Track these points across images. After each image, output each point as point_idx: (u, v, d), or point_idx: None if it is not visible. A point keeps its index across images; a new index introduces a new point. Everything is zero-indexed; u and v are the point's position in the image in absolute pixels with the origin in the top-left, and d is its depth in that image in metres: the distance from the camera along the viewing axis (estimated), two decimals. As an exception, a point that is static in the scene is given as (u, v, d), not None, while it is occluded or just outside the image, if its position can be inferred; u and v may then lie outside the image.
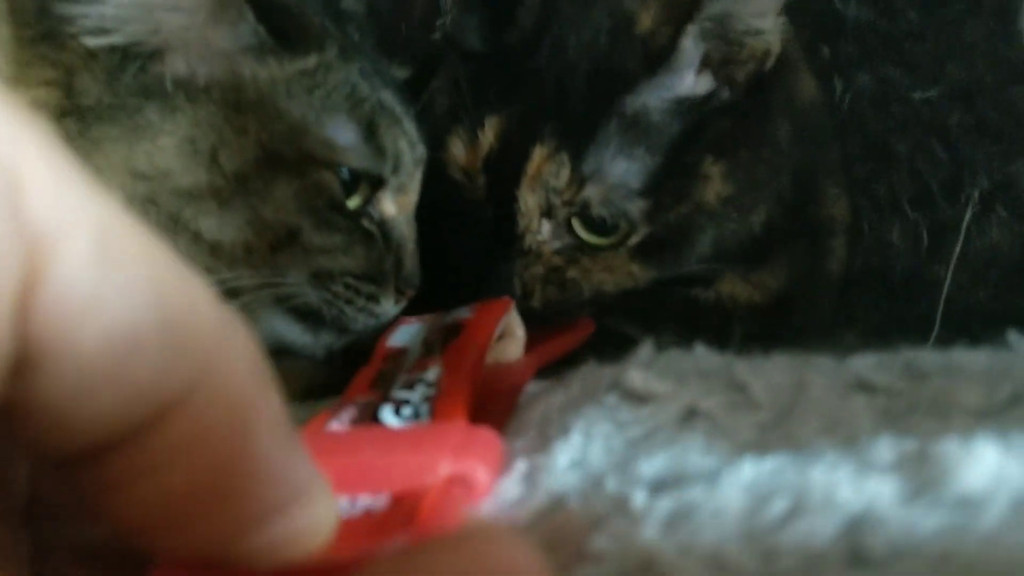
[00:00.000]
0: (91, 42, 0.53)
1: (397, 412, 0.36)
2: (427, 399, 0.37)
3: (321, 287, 0.59)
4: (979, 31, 0.74)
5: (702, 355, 0.39)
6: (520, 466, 0.32)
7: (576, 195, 0.61)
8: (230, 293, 0.57)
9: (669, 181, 0.61)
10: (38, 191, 0.18)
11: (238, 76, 0.56)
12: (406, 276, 0.63)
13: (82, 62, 0.53)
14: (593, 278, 0.64)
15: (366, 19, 0.69)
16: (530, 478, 0.31)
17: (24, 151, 0.19)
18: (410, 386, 0.38)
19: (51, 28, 0.53)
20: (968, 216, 0.71)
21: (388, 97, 0.61)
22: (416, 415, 0.35)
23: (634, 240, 0.62)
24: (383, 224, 0.62)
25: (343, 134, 0.58)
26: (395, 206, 0.62)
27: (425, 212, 0.67)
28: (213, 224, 0.55)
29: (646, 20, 0.62)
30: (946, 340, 0.44)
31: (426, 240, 0.67)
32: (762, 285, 0.68)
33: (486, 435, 0.33)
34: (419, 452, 0.30)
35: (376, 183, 0.61)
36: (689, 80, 0.61)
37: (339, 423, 0.36)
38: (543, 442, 0.34)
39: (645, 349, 0.40)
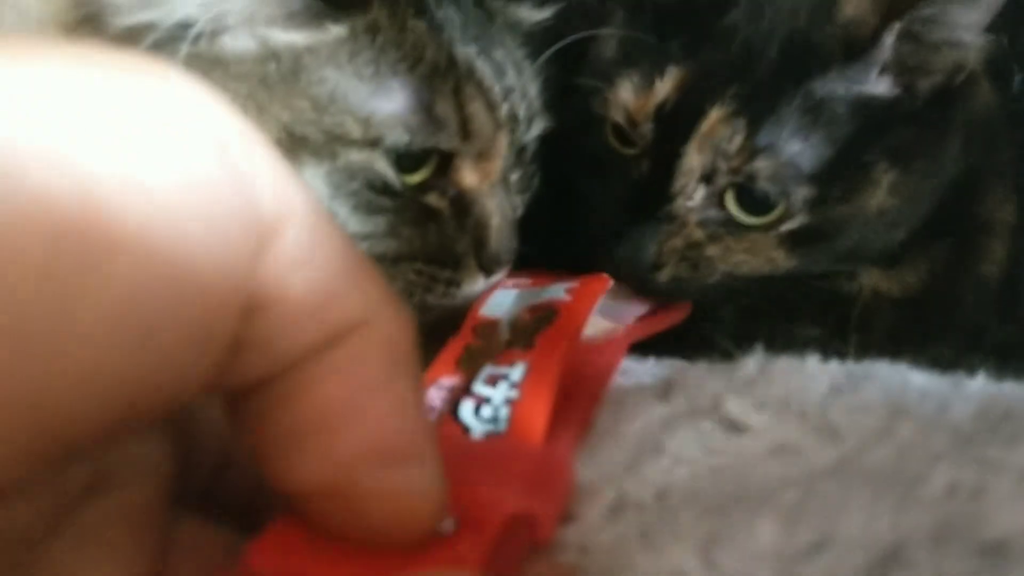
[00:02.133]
0: (128, 20, 0.49)
1: (477, 411, 0.37)
2: (508, 401, 0.38)
3: (388, 276, 0.54)
4: None
5: (811, 372, 0.40)
6: (609, 493, 0.34)
7: (744, 164, 0.59)
8: None
9: (841, 175, 0.59)
10: (267, 186, 0.25)
11: (271, 48, 0.51)
12: (491, 254, 0.56)
13: (119, 46, 0.46)
14: (731, 259, 0.62)
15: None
16: (615, 511, 0.33)
17: (254, 154, 0.25)
18: (493, 382, 0.39)
19: (90, 11, 0.50)
20: None
21: (469, 52, 0.55)
22: (495, 419, 0.37)
23: (788, 226, 0.60)
24: (460, 198, 0.56)
25: (388, 103, 0.52)
26: (476, 175, 0.56)
27: (566, 159, 0.66)
28: None
29: (848, 7, 0.60)
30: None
31: (560, 188, 0.67)
32: (901, 279, 0.66)
33: (558, 464, 0.34)
34: (488, 482, 0.31)
35: (445, 153, 0.55)
36: (872, 79, 0.59)
37: None
38: (636, 462, 0.36)
39: (752, 362, 0.41)
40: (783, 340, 0.53)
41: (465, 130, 0.54)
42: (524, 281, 0.58)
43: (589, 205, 0.65)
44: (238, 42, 0.51)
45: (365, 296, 0.26)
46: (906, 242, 0.64)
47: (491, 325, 0.48)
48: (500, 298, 0.54)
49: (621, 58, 0.64)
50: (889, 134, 0.60)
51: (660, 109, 0.61)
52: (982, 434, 0.33)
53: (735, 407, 0.37)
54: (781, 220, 0.60)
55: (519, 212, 0.63)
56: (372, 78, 0.52)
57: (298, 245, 0.25)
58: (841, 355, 0.46)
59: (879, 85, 0.59)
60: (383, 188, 0.53)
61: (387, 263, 0.55)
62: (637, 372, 0.53)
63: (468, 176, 0.56)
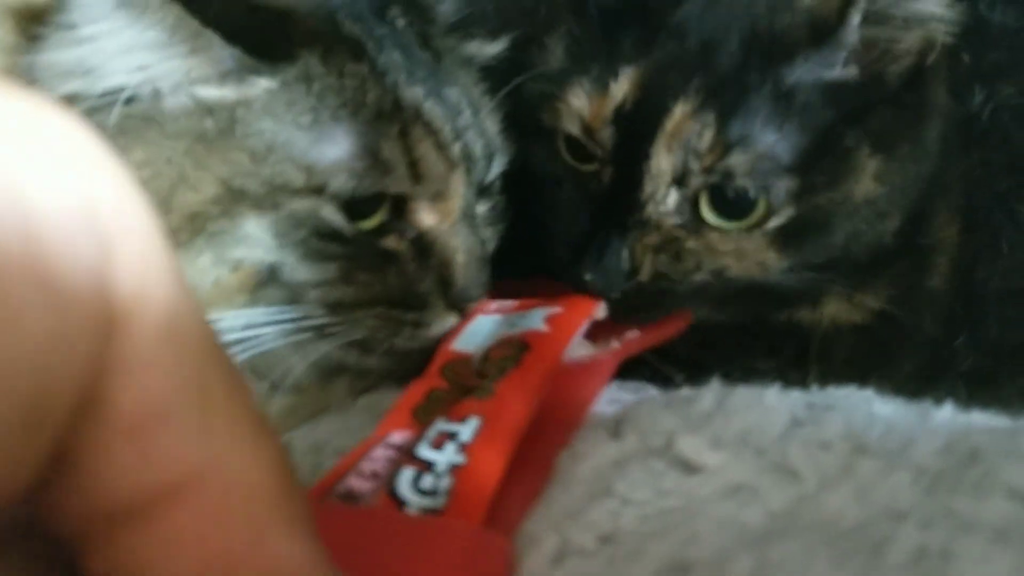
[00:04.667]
0: (58, 90, 0.49)
1: (417, 481, 0.35)
2: (452, 469, 0.35)
3: (350, 324, 0.53)
4: None
5: (770, 405, 0.38)
6: (551, 541, 0.32)
7: (718, 161, 0.55)
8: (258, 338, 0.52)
9: (823, 162, 0.56)
10: (127, 261, 0.21)
11: (205, 105, 0.51)
12: (458, 292, 0.55)
13: None
14: (717, 260, 0.58)
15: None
16: (558, 559, 0.31)
17: (125, 221, 0.21)
18: (440, 444, 0.37)
19: (27, 81, 0.49)
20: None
21: (415, 94, 0.54)
22: (434, 491, 0.34)
23: (775, 223, 0.56)
24: (420, 238, 0.55)
25: (330, 150, 0.51)
26: (434, 215, 0.55)
27: (525, 177, 0.63)
28: None
29: None
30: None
31: (525, 209, 0.63)
32: (863, 306, 0.64)
33: (494, 549, 0.32)
34: (412, 572, 0.29)
35: (398, 196, 0.54)
36: (841, 64, 0.56)
37: (357, 479, 0.35)
38: (584, 506, 0.34)
39: (709, 395, 0.39)
40: (738, 373, 0.51)
41: (415, 172, 0.53)
42: (509, 304, 0.55)
43: (557, 219, 0.62)
44: (171, 102, 0.50)
45: (220, 426, 0.22)
46: (869, 265, 0.62)
47: (462, 362, 0.46)
48: (478, 327, 0.52)
49: (569, 64, 0.60)
50: (868, 118, 0.57)
51: (619, 112, 0.57)
52: (948, 477, 0.31)
53: (688, 446, 0.34)
54: (765, 219, 0.57)
55: (490, 246, 0.61)
56: (312, 126, 0.51)
57: (142, 344, 0.21)
58: (798, 384, 0.44)
59: (849, 70, 0.57)
60: (331, 235, 0.52)
61: (345, 310, 0.53)
62: (598, 400, 0.52)
63: (426, 217, 0.55)
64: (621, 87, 0.57)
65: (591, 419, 0.44)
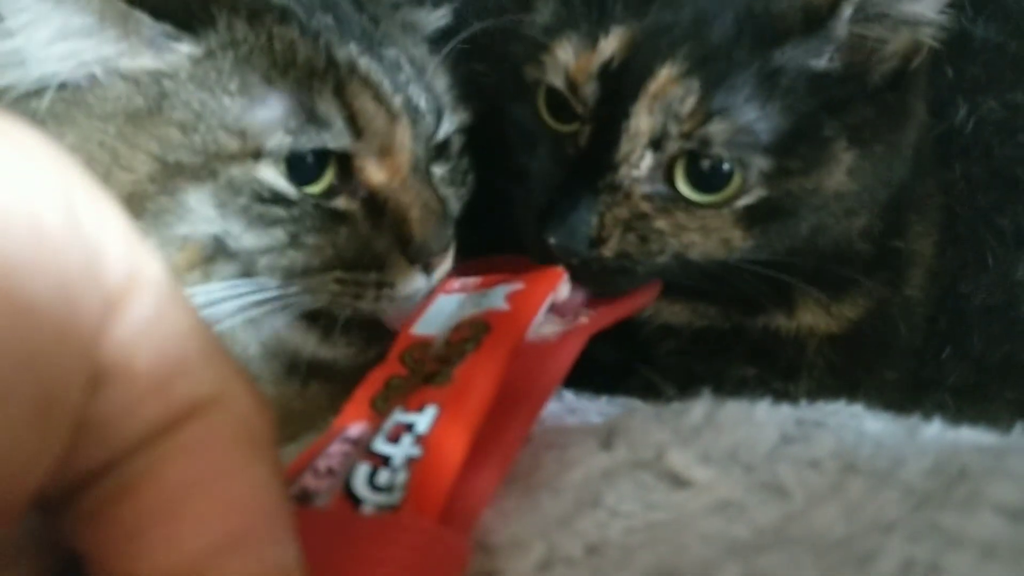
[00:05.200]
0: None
1: (372, 477, 0.34)
2: (408, 462, 0.34)
3: (308, 290, 0.53)
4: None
5: (760, 421, 0.38)
6: (538, 548, 0.32)
7: (698, 127, 0.55)
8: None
9: (800, 147, 0.56)
10: (115, 249, 0.23)
11: (132, 80, 0.50)
12: (417, 246, 0.54)
13: None
14: (684, 237, 0.57)
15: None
16: (544, 567, 0.31)
17: (103, 221, 0.23)
18: (396, 437, 0.36)
19: None
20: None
21: (350, 51, 0.54)
22: (390, 487, 0.34)
23: (745, 201, 0.56)
24: (372, 197, 0.54)
25: (263, 112, 0.51)
26: (383, 172, 0.55)
27: (495, 141, 0.62)
28: None
29: None
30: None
31: (494, 166, 0.63)
32: (842, 316, 0.64)
33: (451, 548, 0.31)
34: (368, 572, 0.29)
35: (341, 154, 0.53)
36: (828, 56, 0.56)
37: (312, 477, 0.35)
38: (572, 515, 0.34)
39: (699, 409, 0.39)
40: (720, 380, 0.51)
41: (356, 126, 0.53)
42: (472, 282, 0.54)
43: (528, 176, 0.61)
44: (100, 83, 0.50)
45: (216, 372, 0.25)
46: (852, 266, 0.62)
47: (422, 347, 0.45)
48: (441, 307, 0.51)
49: (557, 23, 0.60)
50: (849, 112, 0.57)
51: (605, 68, 0.57)
52: (936, 495, 0.30)
53: (678, 460, 0.34)
54: (735, 196, 0.56)
55: (453, 207, 0.61)
56: (241, 90, 0.51)
57: (145, 314, 0.24)
58: (782, 395, 0.44)
59: (834, 62, 0.57)
60: (274, 198, 0.52)
61: (297, 276, 0.53)
62: (587, 411, 0.51)
63: (375, 174, 0.55)
64: (610, 44, 0.57)
65: (582, 427, 0.44)
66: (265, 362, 0.56)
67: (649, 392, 0.54)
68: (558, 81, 0.59)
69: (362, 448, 0.36)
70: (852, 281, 0.63)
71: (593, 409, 0.52)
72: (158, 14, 0.50)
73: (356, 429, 0.39)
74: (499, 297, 0.47)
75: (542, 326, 0.48)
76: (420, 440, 0.35)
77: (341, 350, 0.56)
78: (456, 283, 0.53)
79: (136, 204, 0.50)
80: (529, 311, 0.46)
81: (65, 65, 0.49)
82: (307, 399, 0.58)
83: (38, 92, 0.49)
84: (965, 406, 0.67)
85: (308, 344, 0.56)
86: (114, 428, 0.23)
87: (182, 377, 0.24)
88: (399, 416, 0.37)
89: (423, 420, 0.36)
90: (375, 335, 0.57)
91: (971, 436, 0.38)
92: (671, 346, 0.63)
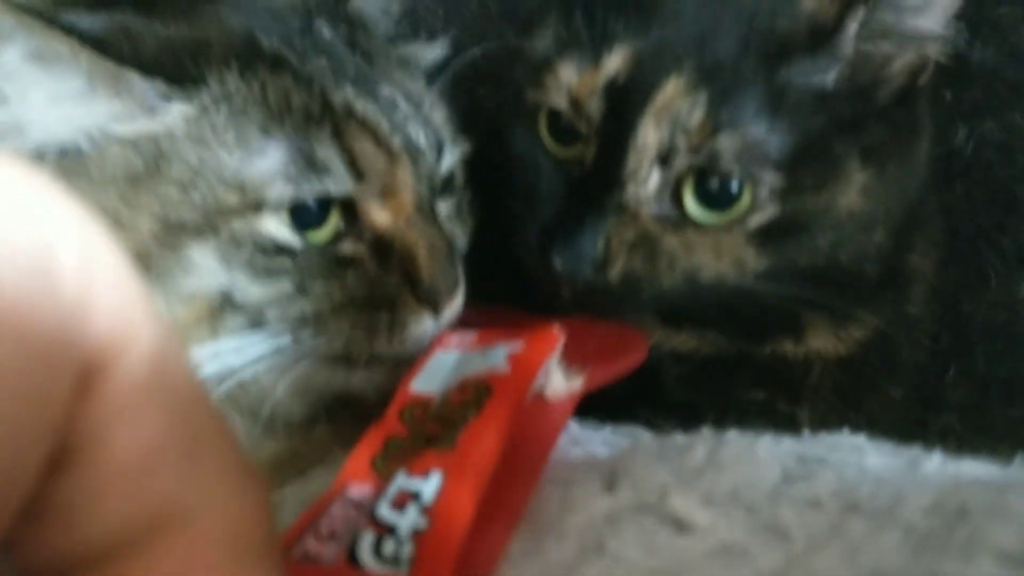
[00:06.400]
0: None
1: (378, 547, 0.34)
2: (414, 534, 0.34)
3: (321, 336, 0.53)
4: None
5: (761, 460, 0.38)
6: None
7: (706, 140, 0.54)
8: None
9: (811, 164, 0.55)
10: (103, 308, 0.20)
11: (129, 144, 0.51)
12: (427, 286, 0.54)
13: None
14: (694, 257, 0.56)
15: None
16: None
17: (96, 268, 0.20)
18: (402, 504, 0.36)
19: None
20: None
21: (345, 94, 0.54)
22: (396, 559, 0.34)
23: (756, 221, 0.55)
24: (378, 240, 0.54)
25: (261, 162, 0.51)
26: (387, 213, 0.55)
27: (497, 168, 0.62)
28: None
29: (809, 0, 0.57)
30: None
31: (496, 191, 0.62)
32: (849, 339, 0.63)
33: None
34: None
35: (345, 199, 0.53)
36: (835, 73, 0.56)
37: (315, 540, 0.35)
38: (576, 562, 0.34)
39: (701, 448, 0.40)
40: (727, 405, 0.51)
41: (356, 169, 0.53)
42: (469, 338, 0.53)
43: (532, 202, 0.61)
44: (100, 148, 0.50)
45: (204, 474, 0.22)
46: (854, 298, 0.62)
47: (421, 406, 0.45)
48: (439, 363, 0.50)
49: (559, 45, 0.60)
50: (860, 131, 0.57)
51: (610, 85, 0.56)
52: (937, 536, 0.31)
53: (680, 503, 0.35)
54: (748, 213, 0.55)
55: (460, 242, 0.61)
56: (238, 143, 0.51)
57: (130, 389, 0.21)
58: (790, 419, 0.44)
59: (841, 80, 0.56)
60: (277, 249, 0.52)
61: (308, 323, 0.53)
62: (591, 441, 0.51)
63: (379, 216, 0.54)
64: (614, 60, 0.56)
65: (586, 464, 0.44)
66: (294, 403, 0.56)
67: (654, 420, 0.54)
68: (561, 102, 0.58)
69: (365, 513, 0.36)
70: (860, 302, 0.63)
71: (598, 439, 0.52)
72: (148, 71, 0.50)
73: (358, 490, 0.39)
74: (500, 357, 0.47)
75: (549, 381, 0.47)
76: (426, 511, 0.35)
77: (369, 383, 0.56)
78: (454, 338, 0.53)
79: (140, 263, 0.50)
80: (529, 374, 0.45)
81: (62, 130, 0.50)
82: (336, 433, 0.58)
83: (39, 158, 0.49)
84: (970, 426, 0.67)
85: (335, 380, 0.55)
86: (81, 516, 0.21)
87: (161, 474, 0.21)
88: (403, 481, 0.37)
89: (428, 488, 0.36)
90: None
91: (972, 469, 0.38)
92: (679, 372, 0.63)
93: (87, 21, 0.51)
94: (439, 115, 0.61)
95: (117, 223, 0.50)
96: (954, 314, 0.71)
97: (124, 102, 0.50)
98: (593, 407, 0.54)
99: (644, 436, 0.52)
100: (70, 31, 0.48)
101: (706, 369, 0.63)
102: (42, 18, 0.47)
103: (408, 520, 0.35)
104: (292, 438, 0.57)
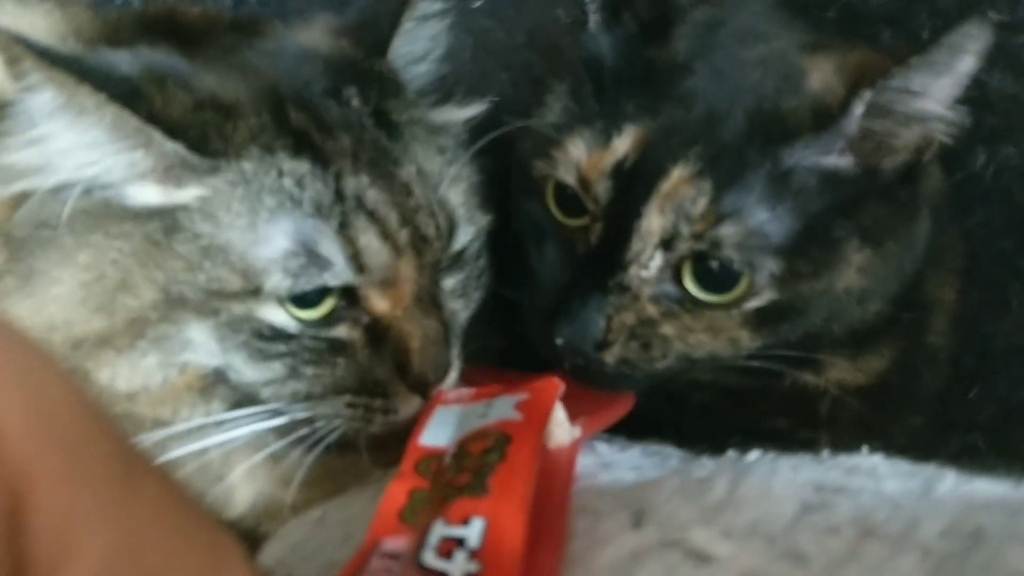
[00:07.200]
0: (4, 192, 0.51)
1: None
2: None
3: (319, 415, 0.54)
4: None
5: (780, 493, 0.39)
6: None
7: (709, 229, 0.55)
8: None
9: (810, 248, 0.56)
10: (46, 512, 0.18)
11: (147, 207, 0.51)
12: (416, 376, 0.54)
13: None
14: (689, 339, 0.58)
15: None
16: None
17: (40, 461, 0.18)
18: (448, 552, 0.36)
19: None
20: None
21: (359, 183, 0.53)
22: None
23: (753, 304, 0.57)
24: (374, 324, 0.55)
25: (265, 250, 0.51)
26: (386, 301, 0.55)
27: (507, 227, 0.63)
28: (114, 373, 0.52)
29: (817, 77, 0.58)
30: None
31: (504, 260, 0.63)
32: (868, 368, 0.64)
33: None
34: None
35: (347, 287, 0.53)
36: (838, 152, 0.57)
37: None
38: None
39: (721, 484, 0.41)
40: (750, 431, 0.52)
41: (358, 263, 0.53)
42: (466, 393, 0.55)
43: (537, 274, 0.62)
44: (117, 200, 0.52)
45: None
46: (873, 330, 0.62)
47: (435, 458, 0.45)
48: (441, 419, 0.51)
49: (568, 119, 0.60)
50: (861, 211, 0.58)
51: (618, 167, 0.57)
52: (954, 558, 0.32)
53: (701, 537, 0.36)
54: (745, 297, 0.56)
55: (464, 316, 0.61)
56: (247, 228, 0.51)
57: (56, 496, 0.18)
58: (810, 444, 0.45)
59: (845, 158, 0.57)
60: (273, 335, 0.53)
61: (302, 401, 0.54)
62: (620, 465, 0.52)
63: (378, 303, 0.55)
64: (624, 142, 0.57)
65: (612, 493, 0.45)
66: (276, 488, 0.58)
67: (682, 438, 0.55)
68: (569, 178, 0.59)
69: (409, 562, 0.37)
70: (874, 337, 0.63)
71: (626, 463, 0.53)
72: (172, 134, 0.50)
73: (392, 544, 0.39)
74: (508, 407, 0.48)
75: (559, 433, 0.48)
76: (475, 555, 0.36)
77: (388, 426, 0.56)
78: (451, 394, 0.54)
79: (138, 328, 0.51)
80: (542, 418, 0.46)
81: (82, 174, 0.51)
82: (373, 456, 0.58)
83: (59, 200, 0.51)
84: (992, 447, 0.68)
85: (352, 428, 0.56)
86: None
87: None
88: (442, 530, 0.38)
89: (472, 533, 0.37)
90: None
91: (985, 489, 0.39)
92: (701, 399, 0.64)
93: (127, 61, 0.53)
94: (458, 192, 0.60)
95: (123, 282, 0.51)
96: (976, 337, 0.72)
97: (144, 157, 0.51)
98: (622, 426, 0.55)
99: (671, 458, 0.53)
100: (100, 81, 0.49)
101: (727, 397, 0.64)
102: (72, 69, 0.48)
103: (458, 566, 0.36)
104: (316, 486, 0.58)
